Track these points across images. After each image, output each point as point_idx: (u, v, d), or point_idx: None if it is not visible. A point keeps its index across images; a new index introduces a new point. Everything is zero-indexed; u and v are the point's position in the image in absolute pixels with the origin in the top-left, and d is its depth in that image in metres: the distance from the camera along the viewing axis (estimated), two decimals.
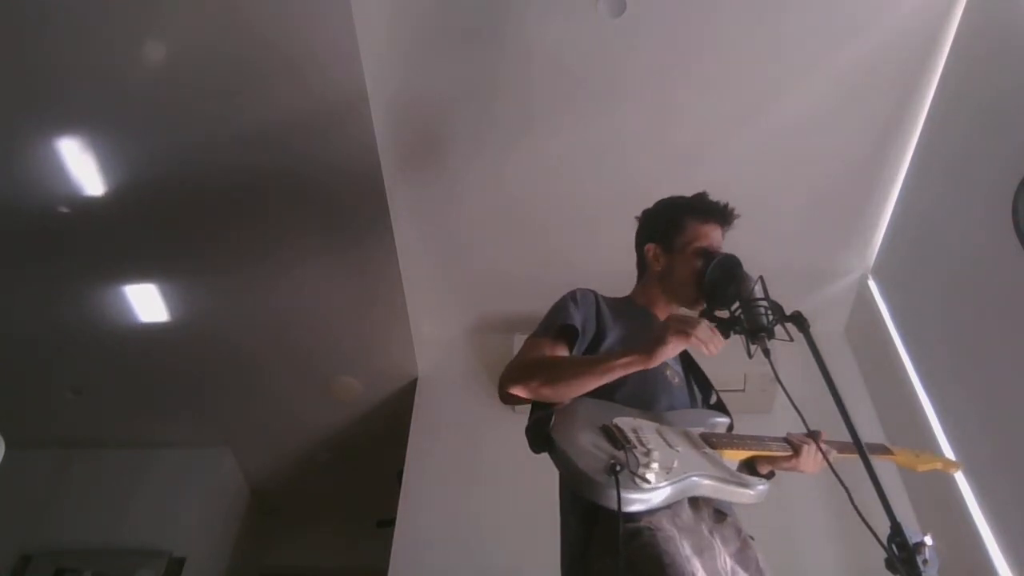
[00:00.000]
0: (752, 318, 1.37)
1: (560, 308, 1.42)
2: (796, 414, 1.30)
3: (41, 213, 2.38)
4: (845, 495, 1.14)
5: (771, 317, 1.37)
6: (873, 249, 2.91)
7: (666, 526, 1.11)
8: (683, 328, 1.21)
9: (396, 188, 2.47)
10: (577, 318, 1.38)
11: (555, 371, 1.26)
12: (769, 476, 1.41)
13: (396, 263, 2.65)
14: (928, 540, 0.98)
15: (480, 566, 2.65)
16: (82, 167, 2.23)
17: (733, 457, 1.33)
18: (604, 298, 1.51)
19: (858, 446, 1.16)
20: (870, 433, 2.75)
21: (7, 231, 2.45)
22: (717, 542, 1.22)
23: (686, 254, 1.53)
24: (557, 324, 1.38)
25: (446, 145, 2.55)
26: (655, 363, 1.22)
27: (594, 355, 1.29)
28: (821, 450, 1.32)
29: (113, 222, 2.44)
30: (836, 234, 2.88)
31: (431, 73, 2.32)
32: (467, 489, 2.88)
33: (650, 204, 1.68)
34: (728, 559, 1.22)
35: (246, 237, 2.58)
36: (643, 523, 1.09)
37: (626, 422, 1.22)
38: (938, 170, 2.47)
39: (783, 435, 1.42)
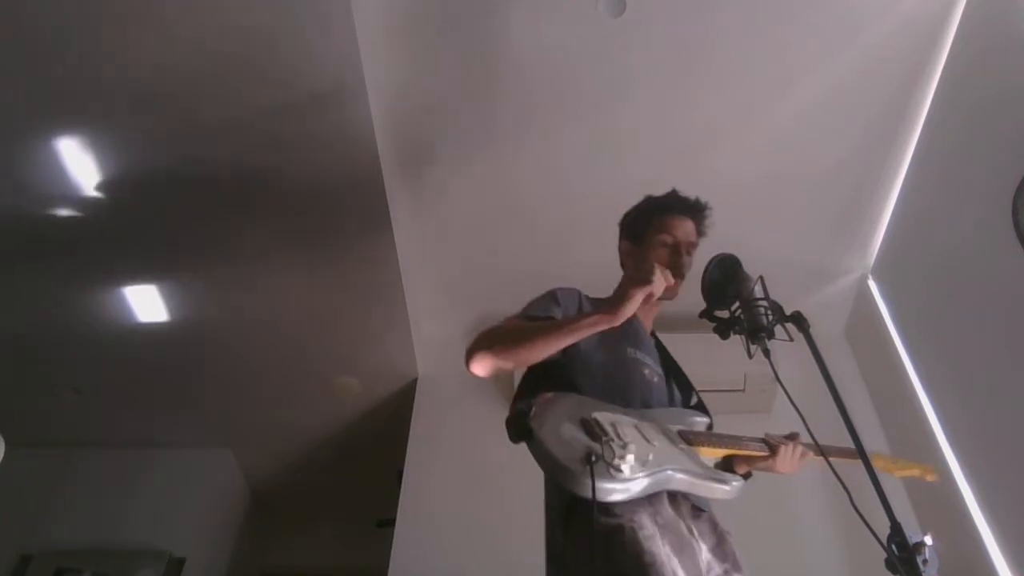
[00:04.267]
0: (752, 318, 1.37)
1: (542, 301, 1.45)
2: (796, 414, 1.30)
3: (40, 212, 2.38)
4: (845, 495, 1.14)
5: (771, 317, 1.37)
6: (873, 249, 2.91)
7: (647, 524, 1.11)
8: (640, 278, 1.26)
9: (396, 188, 2.47)
10: (557, 313, 1.40)
11: (518, 333, 1.28)
12: (746, 476, 1.44)
13: (396, 263, 2.65)
14: (928, 540, 0.98)
15: (480, 566, 2.65)
16: (81, 166, 2.23)
17: (710, 454, 1.35)
18: (586, 297, 1.54)
19: (858, 446, 1.16)
20: (870, 433, 2.76)
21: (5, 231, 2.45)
22: (696, 539, 1.24)
23: (652, 244, 1.58)
24: (537, 314, 1.40)
25: (447, 146, 2.55)
26: (620, 319, 1.25)
27: (576, 320, 1.30)
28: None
29: (114, 221, 2.44)
30: (836, 234, 2.88)
31: (431, 73, 2.32)
32: (467, 489, 2.88)
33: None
34: (706, 554, 1.25)
35: (246, 237, 2.58)
36: (624, 520, 1.10)
37: (605, 416, 1.24)
38: (938, 170, 2.47)
39: (762, 435, 1.45)
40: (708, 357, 2.55)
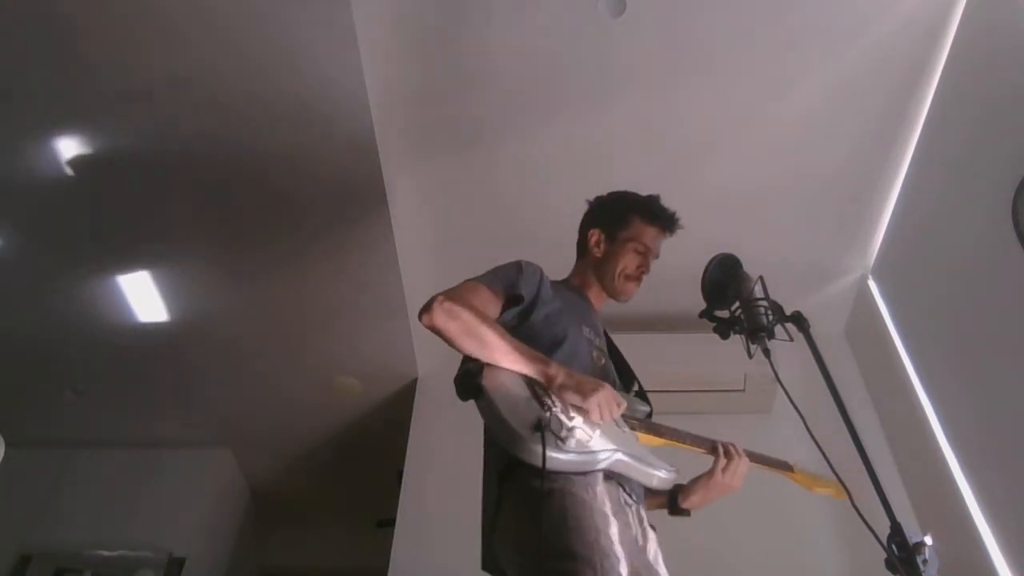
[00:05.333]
0: (752, 318, 1.37)
1: (509, 271, 1.45)
2: (796, 414, 1.30)
3: (37, 200, 2.38)
4: (845, 495, 1.14)
5: (771, 317, 1.37)
6: (873, 249, 2.91)
7: (579, 493, 1.10)
8: (592, 392, 1.20)
9: (396, 187, 2.47)
10: (525, 289, 1.41)
11: (475, 326, 1.26)
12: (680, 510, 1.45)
13: (396, 262, 2.66)
14: (928, 540, 0.99)
15: (480, 566, 2.64)
16: (79, 160, 2.24)
17: (648, 442, 1.35)
18: (548, 280, 1.53)
19: (858, 446, 1.16)
20: (870, 433, 2.75)
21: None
22: (628, 517, 1.23)
23: (625, 248, 1.61)
24: (506, 287, 1.40)
25: (446, 146, 2.55)
26: (556, 387, 1.21)
27: (530, 349, 1.27)
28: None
29: (108, 213, 2.44)
30: (836, 234, 2.88)
31: (430, 74, 2.32)
32: (467, 489, 2.86)
33: None
34: (638, 536, 1.24)
35: (246, 237, 2.58)
36: (557, 486, 1.09)
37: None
38: (938, 170, 2.47)
39: (713, 438, 1.45)
40: (708, 357, 2.56)
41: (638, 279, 1.62)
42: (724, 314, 1.45)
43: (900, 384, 2.67)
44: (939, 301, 2.51)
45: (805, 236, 2.85)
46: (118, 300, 2.83)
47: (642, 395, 1.52)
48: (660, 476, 1.26)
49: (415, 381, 3.34)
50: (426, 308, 1.29)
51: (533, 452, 1.07)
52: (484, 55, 2.29)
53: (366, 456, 3.91)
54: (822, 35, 2.25)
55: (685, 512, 1.45)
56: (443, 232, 2.87)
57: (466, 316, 1.27)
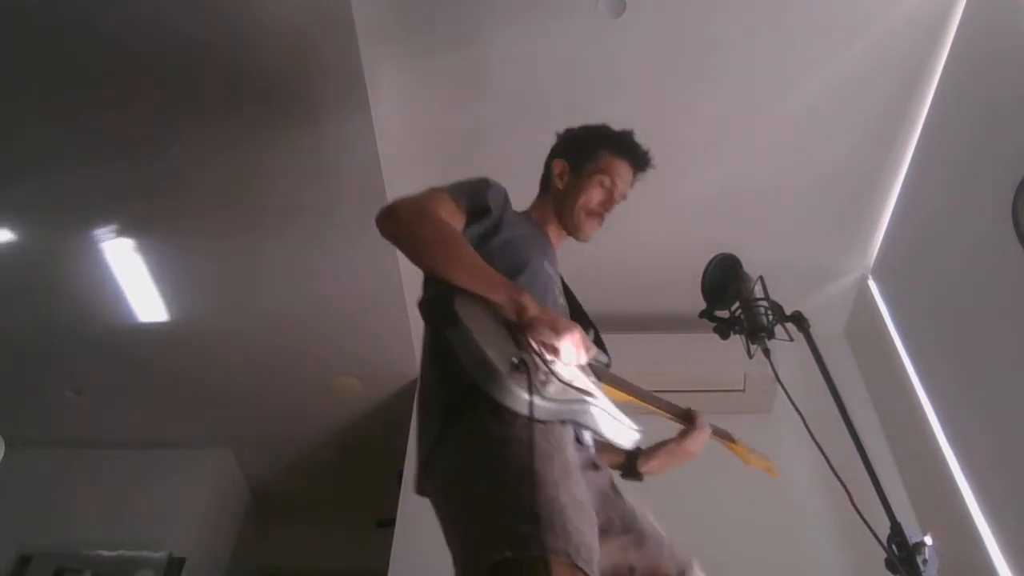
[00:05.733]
0: (752, 318, 1.38)
1: (476, 185, 1.34)
2: (796, 414, 1.30)
3: None
4: (845, 495, 1.14)
5: (771, 317, 1.37)
6: (873, 249, 2.91)
7: (540, 443, 0.97)
8: (560, 327, 1.05)
9: (396, 187, 2.47)
10: (492, 205, 1.31)
11: (460, 256, 1.11)
12: (636, 474, 1.35)
13: (396, 262, 2.66)
14: (928, 540, 0.99)
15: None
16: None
17: (614, 396, 1.22)
18: (511, 208, 1.44)
19: (858, 445, 1.17)
20: (870, 433, 2.75)
21: None
22: (589, 467, 1.15)
23: (590, 181, 1.50)
24: (471, 201, 1.28)
25: (444, 147, 2.55)
26: (514, 309, 1.06)
27: (493, 271, 1.12)
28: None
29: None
30: (836, 234, 2.88)
31: (430, 73, 2.32)
32: None
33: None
34: (604, 487, 1.16)
35: (246, 237, 2.58)
36: (517, 433, 0.96)
37: None
38: (938, 170, 2.47)
39: (686, 407, 1.39)
40: (708, 357, 2.56)
41: (600, 216, 1.51)
42: (724, 314, 1.45)
43: (900, 384, 2.67)
44: (939, 301, 2.51)
45: (805, 236, 2.85)
46: (119, 301, 2.83)
47: (600, 343, 1.36)
48: (632, 434, 1.15)
49: (415, 381, 3.34)
50: (389, 212, 1.16)
51: (513, 394, 0.95)
52: (483, 58, 2.29)
53: (366, 456, 3.91)
54: (822, 35, 2.25)
55: (639, 477, 1.35)
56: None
57: (436, 225, 1.14)
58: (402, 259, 2.65)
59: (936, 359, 2.54)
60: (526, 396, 0.95)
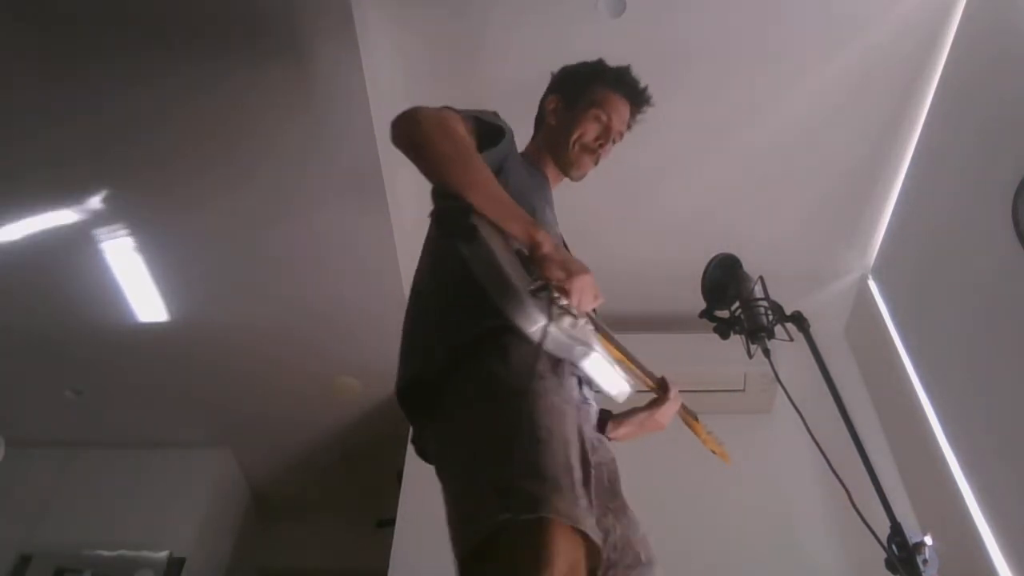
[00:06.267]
0: (752, 318, 1.38)
1: (487, 113, 1.29)
2: (796, 414, 1.30)
3: None
4: (845, 495, 1.14)
5: (771, 317, 1.37)
6: (873, 249, 2.91)
7: (553, 398, 0.94)
8: (571, 269, 1.00)
9: (396, 181, 2.46)
10: (503, 141, 1.25)
11: (480, 176, 1.05)
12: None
13: (396, 261, 2.65)
14: (928, 540, 0.99)
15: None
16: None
17: (606, 348, 1.16)
18: (516, 150, 1.39)
19: (858, 445, 1.17)
20: (870, 433, 2.75)
21: None
22: (592, 419, 1.14)
23: (585, 115, 1.44)
24: (481, 125, 1.22)
25: None
26: (528, 239, 1.02)
27: (511, 199, 1.06)
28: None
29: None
30: (836, 234, 2.88)
31: (429, 74, 2.32)
32: None
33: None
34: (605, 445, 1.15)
35: (244, 238, 2.58)
36: (533, 386, 0.93)
37: None
38: (938, 170, 2.47)
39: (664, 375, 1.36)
40: (708, 357, 2.55)
41: (594, 152, 1.44)
42: (724, 314, 1.45)
43: (900, 384, 2.67)
44: (939, 301, 2.51)
45: (805, 236, 2.85)
46: (119, 301, 2.83)
47: None
48: (626, 388, 1.11)
49: None
50: (408, 117, 1.08)
51: (531, 317, 0.91)
52: (483, 58, 2.29)
53: (366, 456, 3.91)
54: (823, 36, 2.25)
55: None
56: None
57: (458, 141, 1.07)
58: (402, 258, 2.67)
59: (936, 359, 2.54)
60: (543, 320, 0.91)
